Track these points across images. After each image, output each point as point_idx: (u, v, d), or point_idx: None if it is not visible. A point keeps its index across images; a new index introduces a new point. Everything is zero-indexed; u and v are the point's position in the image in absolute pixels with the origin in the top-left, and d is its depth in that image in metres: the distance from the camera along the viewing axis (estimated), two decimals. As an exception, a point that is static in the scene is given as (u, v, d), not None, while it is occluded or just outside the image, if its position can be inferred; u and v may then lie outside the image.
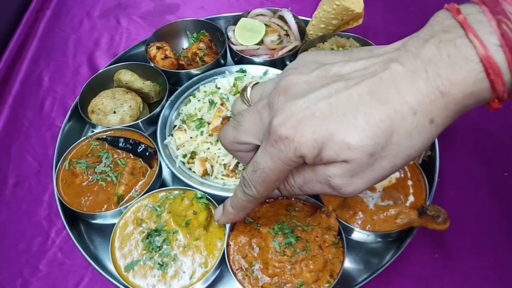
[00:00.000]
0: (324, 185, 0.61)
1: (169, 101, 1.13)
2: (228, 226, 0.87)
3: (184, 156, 1.02)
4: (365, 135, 0.53)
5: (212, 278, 0.86)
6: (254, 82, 0.70)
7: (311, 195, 0.68)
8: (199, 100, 1.11)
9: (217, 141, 0.98)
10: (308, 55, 0.64)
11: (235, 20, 1.29)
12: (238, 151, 0.69)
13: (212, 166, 0.99)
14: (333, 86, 0.56)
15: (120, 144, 1.01)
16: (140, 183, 0.96)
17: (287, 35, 1.27)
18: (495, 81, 0.50)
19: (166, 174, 1.06)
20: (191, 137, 1.02)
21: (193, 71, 1.19)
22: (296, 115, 0.56)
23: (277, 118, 0.57)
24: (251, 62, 1.21)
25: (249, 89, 0.69)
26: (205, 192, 0.92)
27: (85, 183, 0.96)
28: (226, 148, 0.71)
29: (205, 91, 1.14)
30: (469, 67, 0.50)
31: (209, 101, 1.08)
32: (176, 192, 0.94)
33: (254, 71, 1.19)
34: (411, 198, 0.89)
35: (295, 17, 1.27)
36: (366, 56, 0.58)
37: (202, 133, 1.01)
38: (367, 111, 0.54)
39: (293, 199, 0.92)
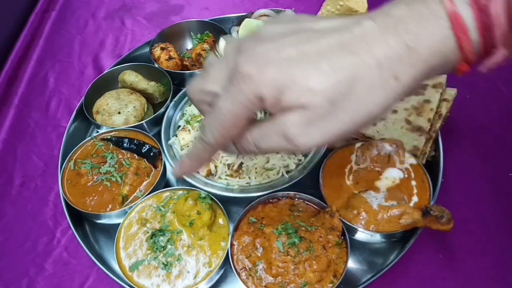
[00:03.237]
0: (280, 136, 0.58)
1: (173, 102, 1.13)
2: (231, 226, 0.88)
3: (188, 156, 1.02)
4: (327, 79, 0.53)
5: (216, 278, 0.86)
6: (228, 37, 0.68)
7: (268, 150, 0.65)
8: (203, 101, 1.11)
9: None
10: (283, 14, 0.63)
11: (239, 21, 1.29)
12: (204, 104, 0.66)
13: (216, 167, 1.00)
14: (303, 35, 0.56)
15: (125, 145, 1.02)
16: (144, 183, 0.97)
17: (291, 35, 1.27)
18: (461, 38, 0.50)
19: (170, 174, 1.07)
20: (195, 138, 1.03)
21: (197, 71, 1.19)
22: (262, 55, 0.55)
23: (243, 57, 0.56)
24: (255, 63, 1.21)
25: (221, 41, 0.67)
26: (209, 192, 0.92)
27: (90, 183, 0.96)
28: (192, 100, 0.68)
29: (209, 92, 1.14)
30: (436, 22, 0.50)
31: (213, 102, 1.08)
32: (180, 192, 0.95)
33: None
34: (415, 199, 0.89)
35: (299, 18, 1.27)
36: (342, 19, 0.58)
37: (206, 133, 1.01)
38: (334, 59, 0.53)
39: (296, 199, 0.92)
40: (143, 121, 1.08)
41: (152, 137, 1.04)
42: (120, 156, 1.00)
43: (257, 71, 0.54)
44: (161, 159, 1.00)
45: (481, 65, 0.53)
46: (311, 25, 0.58)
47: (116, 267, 0.86)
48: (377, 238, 0.88)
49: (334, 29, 0.55)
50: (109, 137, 1.04)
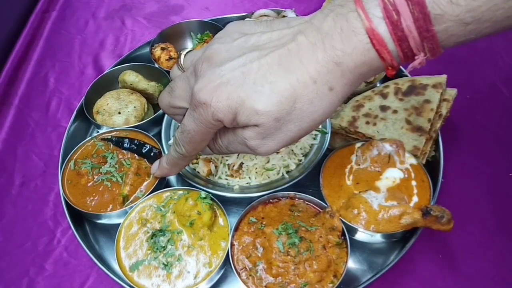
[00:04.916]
0: (243, 145, 0.68)
1: (173, 102, 1.13)
2: (232, 226, 0.88)
3: (189, 156, 1.02)
4: (270, 102, 0.60)
5: (216, 278, 0.86)
6: (188, 50, 0.77)
7: (238, 152, 0.75)
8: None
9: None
10: (234, 25, 0.70)
11: (239, 21, 1.29)
12: (175, 114, 0.76)
13: (216, 167, 1.00)
14: (248, 56, 0.62)
15: (125, 145, 1.02)
16: (145, 183, 0.97)
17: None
18: (380, 51, 0.56)
19: (170, 174, 1.07)
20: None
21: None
22: (213, 82, 0.62)
23: (197, 85, 0.64)
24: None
25: (182, 56, 0.77)
26: (209, 192, 0.92)
27: (90, 183, 0.96)
28: (166, 113, 0.79)
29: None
30: (357, 38, 0.56)
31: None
32: (181, 192, 0.95)
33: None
34: (415, 199, 0.89)
35: (299, 18, 1.27)
36: (282, 27, 0.64)
37: (206, 133, 1.01)
38: (273, 80, 0.60)
39: (296, 200, 0.92)
40: (143, 121, 1.08)
41: (153, 137, 1.04)
42: (121, 156, 1.00)
43: (211, 99, 0.62)
44: (161, 159, 1.00)
45: (406, 67, 0.59)
46: (256, 40, 0.65)
47: (116, 267, 0.86)
48: (377, 238, 0.88)
49: (274, 45, 0.62)
50: (109, 137, 1.04)
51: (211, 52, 0.66)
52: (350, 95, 1.13)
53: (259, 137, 0.64)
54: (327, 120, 1.05)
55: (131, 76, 1.16)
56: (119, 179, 0.96)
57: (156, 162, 0.89)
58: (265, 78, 0.60)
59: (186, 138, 0.71)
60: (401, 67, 1.17)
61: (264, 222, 0.88)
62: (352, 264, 0.90)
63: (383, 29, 0.54)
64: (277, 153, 0.97)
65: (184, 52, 0.76)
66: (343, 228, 0.85)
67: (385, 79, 1.16)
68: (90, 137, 1.05)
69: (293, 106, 0.60)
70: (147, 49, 1.27)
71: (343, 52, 0.57)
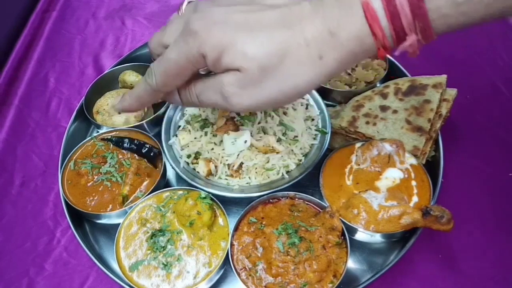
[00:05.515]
0: (217, 93, 0.66)
1: (173, 102, 1.13)
2: (232, 226, 0.88)
3: (188, 156, 1.02)
4: (262, 48, 0.60)
5: (216, 278, 0.86)
6: (192, 0, 0.77)
7: (207, 104, 0.72)
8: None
9: (221, 141, 0.98)
10: None
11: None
12: (161, 54, 0.71)
13: (216, 167, 1.00)
14: (253, 6, 0.64)
15: (125, 145, 1.02)
16: (144, 183, 0.97)
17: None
18: (373, 26, 0.57)
19: (170, 174, 1.07)
20: (195, 138, 1.03)
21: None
22: (212, 17, 0.63)
23: (195, 15, 0.64)
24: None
25: (184, 4, 0.77)
26: (209, 192, 0.92)
27: (90, 183, 0.96)
28: (151, 51, 0.75)
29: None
30: (352, 11, 0.58)
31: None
32: (180, 192, 0.95)
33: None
34: (415, 199, 0.89)
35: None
36: None
37: (206, 133, 1.01)
38: (271, 31, 0.61)
39: (296, 200, 0.92)
40: (143, 121, 1.08)
41: (153, 137, 1.04)
42: (121, 156, 1.00)
43: (204, 30, 0.61)
44: (161, 159, 1.00)
45: (396, 49, 0.60)
46: None
47: (116, 267, 0.86)
48: (377, 238, 0.88)
49: (280, 5, 0.64)
50: (109, 137, 1.04)
51: None
52: (350, 95, 1.14)
53: (238, 84, 0.63)
54: (327, 120, 1.05)
55: (131, 76, 1.16)
56: (119, 179, 0.96)
57: (119, 97, 0.84)
58: (263, 27, 0.61)
59: (162, 67, 0.67)
60: (401, 68, 1.19)
61: (264, 222, 0.88)
62: (352, 264, 0.90)
63: (377, 4, 0.57)
64: (277, 153, 0.97)
65: (186, 2, 0.77)
66: (343, 228, 0.85)
67: (385, 79, 1.16)
68: (90, 137, 1.05)
69: (281, 61, 0.61)
70: (147, 49, 1.27)
71: (338, 23, 0.59)
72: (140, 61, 1.25)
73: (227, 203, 0.94)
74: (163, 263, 0.84)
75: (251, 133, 0.96)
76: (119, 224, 0.90)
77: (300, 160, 1.01)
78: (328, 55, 0.61)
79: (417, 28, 0.57)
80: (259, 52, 0.60)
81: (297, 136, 1.01)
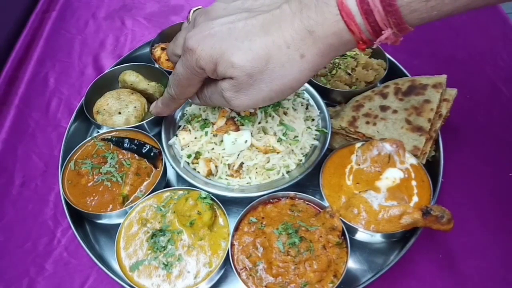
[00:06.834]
0: (220, 97, 0.75)
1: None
2: (232, 226, 0.88)
3: (189, 156, 1.02)
4: (245, 57, 0.66)
5: (217, 278, 0.86)
6: (197, 8, 0.87)
7: (218, 105, 0.84)
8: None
9: (222, 141, 0.98)
10: None
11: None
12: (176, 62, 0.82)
13: (216, 166, 1.00)
14: (238, 16, 0.70)
15: (125, 145, 1.02)
16: (145, 183, 0.97)
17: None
18: (348, 23, 0.62)
19: (170, 174, 1.07)
20: (195, 138, 1.03)
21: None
22: (203, 32, 0.70)
23: (190, 33, 0.72)
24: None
25: (192, 12, 0.88)
26: (209, 192, 0.92)
27: (90, 183, 0.96)
28: (170, 60, 0.93)
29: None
30: (328, 10, 0.62)
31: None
32: (181, 192, 0.95)
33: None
34: (415, 199, 0.89)
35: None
36: None
37: (206, 133, 1.01)
38: (253, 39, 0.66)
39: (296, 200, 0.92)
40: (143, 121, 1.08)
41: (153, 137, 1.04)
42: (121, 156, 1.00)
43: (197, 46, 0.69)
44: (162, 159, 1.00)
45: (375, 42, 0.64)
46: (251, 4, 0.73)
47: (116, 267, 0.86)
48: (377, 238, 0.88)
49: (263, 9, 0.70)
50: (109, 137, 1.04)
51: (211, 8, 0.75)
52: (350, 95, 1.14)
53: (233, 89, 0.71)
54: (327, 120, 1.05)
55: (131, 76, 1.16)
56: (119, 179, 0.96)
57: (154, 102, 0.97)
58: (246, 36, 0.67)
59: (175, 80, 0.80)
60: (401, 68, 1.19)
61: (264, 222, 0.88)
62: (352, 264, 0.90)
63: (351, 2, 0.60)
64: (277, 153, 0.97)
65: (194, 9, 0.88)
66: (343, 228, 0.85)
67: (385, 79, 1.16)
68: (90, 137, 1.05)
69: (266, 66, 0.67)
70: (147, 49, 1.27)
71: (316, 22, 0.63)
72: (140, 61, 1.25)
73: (227, 203, 0.94)
74: (163, 263, 0.84)
75: (251, 133, 0.96)
76: (119, 224, 0.90)
77: (301, 160, 1.01)
78: (308, 52, 0.66)
79: (391, 23, 0.60)
80: (243, 61, 0.67)
81: (297, 136, 1.01)
